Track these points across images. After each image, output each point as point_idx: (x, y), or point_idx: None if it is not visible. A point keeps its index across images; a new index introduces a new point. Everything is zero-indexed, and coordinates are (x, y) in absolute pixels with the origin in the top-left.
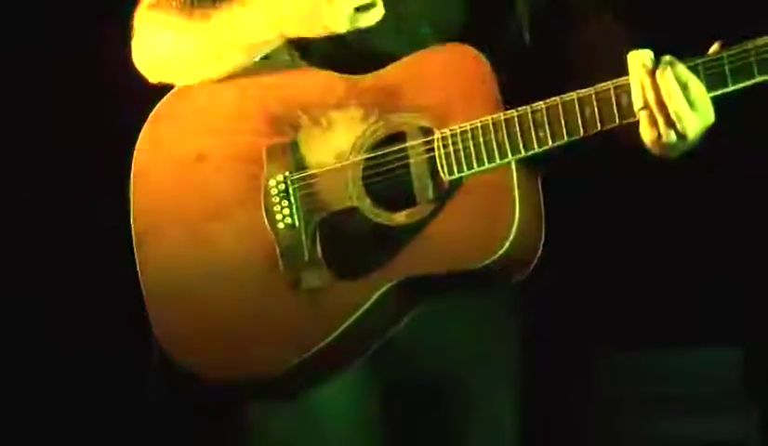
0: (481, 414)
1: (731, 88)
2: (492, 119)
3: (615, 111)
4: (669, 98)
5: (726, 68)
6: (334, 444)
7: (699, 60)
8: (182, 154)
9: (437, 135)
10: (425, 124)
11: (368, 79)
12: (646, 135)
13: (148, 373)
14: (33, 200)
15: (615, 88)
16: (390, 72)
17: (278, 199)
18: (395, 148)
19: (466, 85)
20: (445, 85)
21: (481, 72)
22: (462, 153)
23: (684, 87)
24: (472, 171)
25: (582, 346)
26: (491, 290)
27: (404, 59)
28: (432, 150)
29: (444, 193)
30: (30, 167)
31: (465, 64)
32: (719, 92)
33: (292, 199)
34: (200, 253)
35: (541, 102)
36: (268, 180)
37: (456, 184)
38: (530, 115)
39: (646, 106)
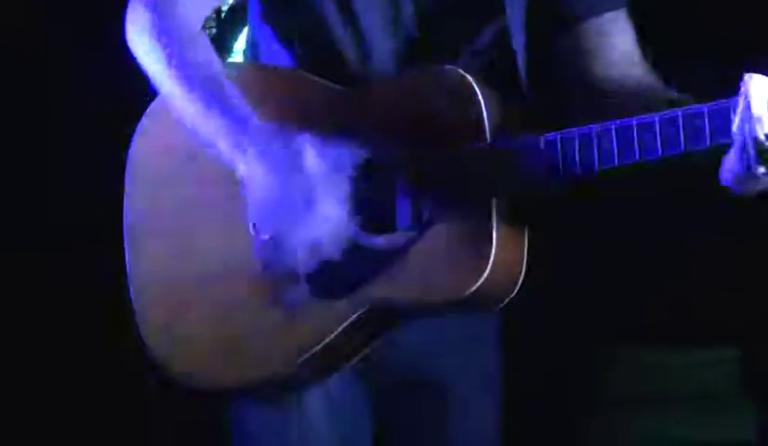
0: (463, 417)
1: None
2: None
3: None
4: None
5: None
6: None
7: None
8: (174, 152)
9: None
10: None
11: (362, 95)
12: (731, 165)
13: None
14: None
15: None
16: (379, 92)
17: None
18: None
19: (453, 109)
20: (436, 110)
21: (468, 96)
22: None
23: None
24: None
25: (582, 345)
26: (467, 315)
27: (395, 78)
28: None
29: (426, 222)
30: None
31: (454, 86)
32: None
33: None
34: (185, 250)
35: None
36: None
37: (438, 213)
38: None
39: (742, 135)
